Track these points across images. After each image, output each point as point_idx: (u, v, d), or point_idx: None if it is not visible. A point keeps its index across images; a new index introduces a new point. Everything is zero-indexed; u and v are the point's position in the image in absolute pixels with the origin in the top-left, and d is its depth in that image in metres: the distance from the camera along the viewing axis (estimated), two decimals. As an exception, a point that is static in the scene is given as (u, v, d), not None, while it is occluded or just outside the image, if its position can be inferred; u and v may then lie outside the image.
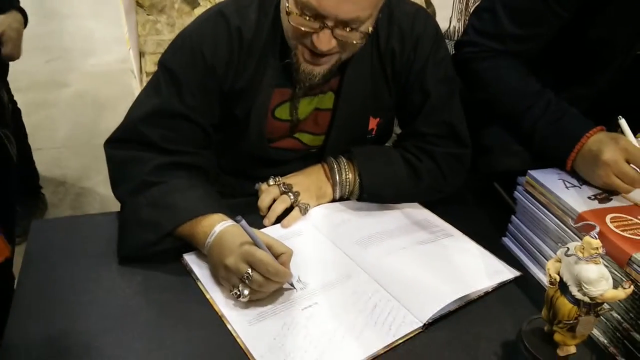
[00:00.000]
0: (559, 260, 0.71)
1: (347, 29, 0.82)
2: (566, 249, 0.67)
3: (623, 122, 0.90)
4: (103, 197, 2.40)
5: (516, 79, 1.03)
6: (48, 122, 2.96)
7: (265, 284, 0.76)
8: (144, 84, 2.60)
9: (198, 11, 2.10)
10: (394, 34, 0.98)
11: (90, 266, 0.85)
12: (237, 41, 0.91)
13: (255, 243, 0.78)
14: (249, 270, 0.75)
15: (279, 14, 0.90)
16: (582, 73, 1.06)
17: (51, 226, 0.97)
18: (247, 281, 0.75)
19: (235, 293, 0.76)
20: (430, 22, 1.01)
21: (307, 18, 0.81)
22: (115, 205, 0.93)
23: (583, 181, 0.88)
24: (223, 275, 0.78)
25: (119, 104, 3.17)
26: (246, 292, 0.76)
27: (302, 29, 0.83)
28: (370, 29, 0.85)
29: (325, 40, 0.82)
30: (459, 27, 2.10)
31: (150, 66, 2.32)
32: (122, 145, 0.91)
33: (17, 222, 2.02)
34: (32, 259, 0.86)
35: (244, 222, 0.76)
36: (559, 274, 0.70)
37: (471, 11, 2.07)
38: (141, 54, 2.31)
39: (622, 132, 0.91)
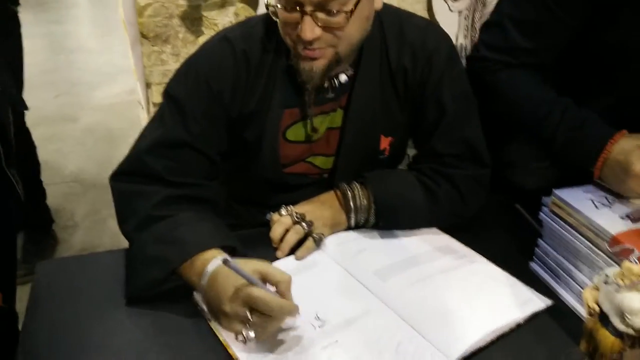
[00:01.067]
0: (597, 288, 0.66)
1: (327, 13, 0.80)
2: (604, 276, 0.62)
3: None
4: (113, 231, 2.37)
5: (532, 88, 1.01)
6: (58, 157, 2.96)
7: (269, 322, 0.71)
8: (151, 114, 2.60)
9: (202, 39, 2.10)
10: (405, 50, 0.95)
11: (98, 307, 0.81)
12: (244, 65, 0.89)
13: (250, 281, 0.72)
14: (248, 314, 0.70)
15: None
16: (602, 81, 1.02)
17: (57, 267, 0.94)
18: (249, 324, 0.70)
19: (241, 340, 0.72)
20: (443, 36, 0.98)
21: (288, 9, 0.81)
22: (125, 240, 0.90)
23: (614, 200, 0.83)
24: (224, 323, 0.74)
25: (128, 136, 3.17)
26: (252, 334, 0.71)
27: (287, 21, 0.82)
28: (352, 7, 0.81)
29: (308, 29, 0.80)
30: (465, 44, 2.09)
31: (157, 97, 2.32)
32: (126, 179, 0.88)
33: (27, 258, 2.00)
34: (38, 301, 0.83)
35: (231, 262, 0.72)
36: (597, 304, 0.65)
37: (477, 27, 2.06)
38: (148, 85, 2.31)
39: None
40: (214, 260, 0.77)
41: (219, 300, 0.73)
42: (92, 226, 2.43)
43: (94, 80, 4.09)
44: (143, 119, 2.65)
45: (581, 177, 0.90)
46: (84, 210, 2.53)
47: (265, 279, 0.74)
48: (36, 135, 2.11)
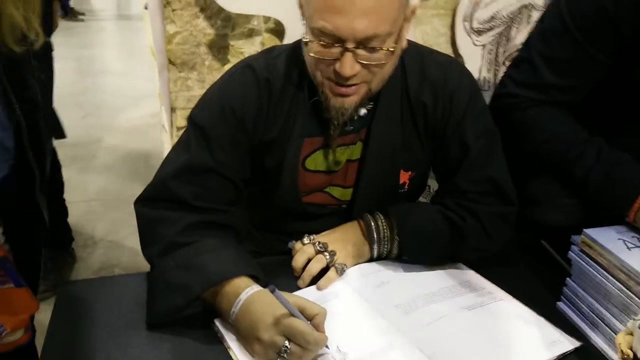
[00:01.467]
0: (631, 333, 0.63)
1: (369, 50, 0.79)
2: (639, 321, 0.60)
3: None
4: (132, 250, 2.39)
5: (563, 127, 0.99)
6: (81, 176, 3.01)
7: (305, 354, 0.71)
8: (175, 138, 2.64)
9: (227, 67, 2.14)
10: (425, 86, 0.94)
11: (118, 332, 0.81)
12: (266, 94, 0.90)
13: (291, 313, 0.73)
14: (287, 344, 0.70)
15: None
16: (632, 120, 1.00)
17: (79, 288, 0.94)
18: (284, 355, 0.70)
19: None
20: (465, 73, 0.98)
21: (327, 44, 0.79)
22: (143, 259, 0.90)
23: (646, 241, 0.81)
24: (257, 350, 0.73)
25: (150, 157, 3.21)
26: None
27: (324, 58, 0.81)
28: (393, 44, 0.81)
29: (348, 64, 0.79)
30: (489, 78, 2.09)
31: (181, 121, 2.35)
32: (151, 204, 0.89)
33: (46, 275, 2.01)
34: (58, 324, 0.82)
35: (277, 292, 0.72)
36: (631, 349, 0.62)
37: (501, 62, 2.07)
38: (172, 110, 2.35)
39: None
40: (248, 289, 0.78)
41: (255, 327, 0.73)
42: (110, 245, 2.45)
43: (118, 102, 4.19)
44: (166, 141, 2.69)
45: (609, 215, 0.88)
46: (104, 230, 2.55)
47: (302, 311, 0.74)
48: (62, 154, 2.16)
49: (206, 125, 0.89)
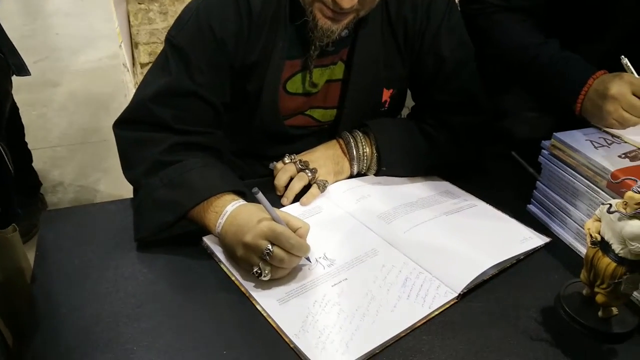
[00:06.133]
0: (599, 219, 0.69)
1: None
2: (608, 206, 0.65)
3: (626, 61, 0.92)
4: (103, 194, 2.36)
5: (521, 32, 1.04)
6: (41, 122, 2.91)
7: (287, 258, 0.73)
8: (140, 75, 2.55)
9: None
10: (405, 2, 0.95)
11: (108, 253, 0.82)
12: (246, 14, 0.88)
13: (273, 217, 0.75)
14: (269, 247, 0.72)
15: None
16: (590, 30, 1.04)
17: (63, 215, 0.94)
18: (267, 258, 0.72)
19: (256, 272, 0.73)
20: None
21: None
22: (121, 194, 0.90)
23: (611, 140, 0.86)
24: (242, 254, 0.75)
25: (112, 100, 3.11)
26: (267, 269, 0.73)
27: None
28: None
29: None
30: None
31: (145, 57, 2.27)
32: (132, 126, 0.87)
33: (16, 221, 1.98)
34: (46, 250, 0.83)
35: (260, 194, 0.73)
36: (599, 234, 0.68)
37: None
38: (134, 45, 2.26)
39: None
40: (234, 202, 0.80)
41: (240, 233, 0.75)
42: (81, 189, 2.41)
43: (74, 44, 3.99)
44: (129, 81, 2.60)
45: (573, 126, 0.93)
46: (72, 174, 2.50)
47: (285, 223, 0.76)
48: (18, 100, 2.06)
49: (184, 46, 0.87)
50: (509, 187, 1.00)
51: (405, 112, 1.18)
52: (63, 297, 0.73)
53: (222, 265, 0.80)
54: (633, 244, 0.62)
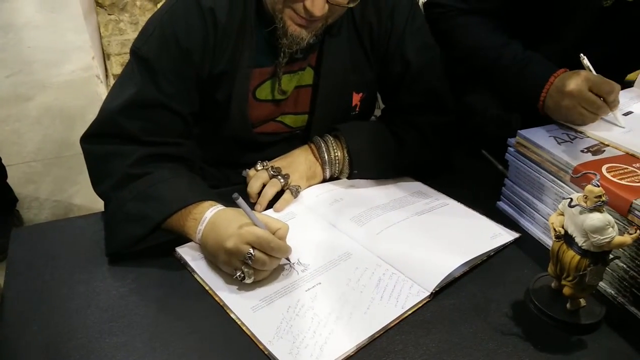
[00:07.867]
0: (562, 214, 0.70)
1: None
2: (569, 200, 0.67)
3: (585, 60, 0.94)
4: (80, 208, 2.33)
5: (483, 34, 1.06)
6: (15, 137, 2.85)
7: (268, 261, 0.74)
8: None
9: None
10: (368, 6, 0.96)
11: (79, 269, 0.81)
12: (211, 23, 0.88)
13: (253, 222, 0.75)
14: (251, 251, 0.72)
15: None
16: (548, 29, 1.07)
17: (32, 233, 0.92)
18: (249, 262, 0.73)
19: (240, 276, 0.74)
20: None
21: None
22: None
23: (574, 136, 0.88)
24: (224, 259, 0.75)
25: (87, 112, 3.07)
26: (250, 273, 0.74)
27: None
28: None
29: (320, 5, 0.81)
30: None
31: (117, 68, 2.26)
32: (100, 140, 0.87)
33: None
34: (15, 268, 0.81)
35: (240, 199, 0.74)
36: (563, 227, 0.69)
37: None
38: (106, 57, 2.25)
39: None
40: (213, 208, 0.80)
41: (221, 239, 0.75)
42: (57, 205, 2.37)
43: (46, 58, 3.93)
44: (102, 93, 2.57)
45: (540, 123, 0.95)
46: (48, 190, 2.46)
47: (266, 227, 0.76)
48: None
49: (150, 56, 0.86)
50: (479, 184, 1.02)
51: (378, 113, 1.19)
52: (34, 315, 0.72)
53: (195, 276, 0.79)
54: (594, 236, 0.64)
